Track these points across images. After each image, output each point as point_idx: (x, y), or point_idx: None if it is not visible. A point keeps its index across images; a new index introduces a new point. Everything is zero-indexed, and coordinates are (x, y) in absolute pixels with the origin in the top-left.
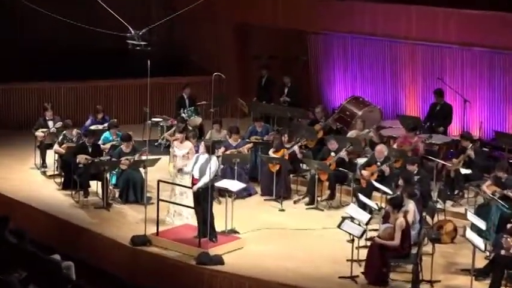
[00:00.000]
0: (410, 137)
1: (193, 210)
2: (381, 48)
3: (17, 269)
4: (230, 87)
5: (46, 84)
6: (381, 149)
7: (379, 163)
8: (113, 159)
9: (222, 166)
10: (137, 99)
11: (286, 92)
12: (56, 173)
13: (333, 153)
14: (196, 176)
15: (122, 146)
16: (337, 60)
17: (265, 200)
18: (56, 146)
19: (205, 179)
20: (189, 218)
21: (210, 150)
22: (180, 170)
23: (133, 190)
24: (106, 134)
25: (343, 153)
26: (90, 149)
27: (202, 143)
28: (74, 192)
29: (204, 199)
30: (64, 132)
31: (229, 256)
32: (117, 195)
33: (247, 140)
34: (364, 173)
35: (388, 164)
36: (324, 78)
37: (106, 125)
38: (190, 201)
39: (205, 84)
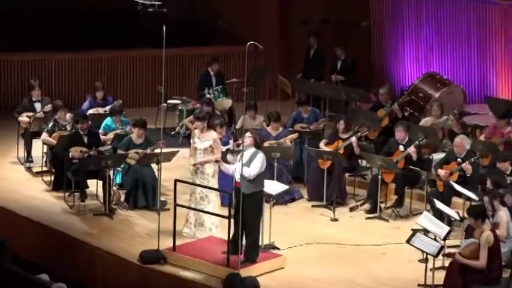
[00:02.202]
0: (502, 126)
1: (217, 219)
2: (465, 10)
3: None
4: (269, 61)
5: (32, 55)
6: (461, 142)
7: (459, 160)
8: (119, 151)
9: None
10: (149, 75)
11: (339, 68)
12: (45, 169)
13: (401, 147)
14: (238, 178)
15: (132, 135)
16: (407, 26)
17: (313, 206)
18: (44, 135)
19: (246, 172)
20: (213, 229)
21: (259, 143)
22: (198, 168)
23: (143, 192)
24: (107, 120)
25: (411, 149)
26: (86, 139)
27: (248, 133)
28: (67, 195)
29: (247, 205)
30: (55, 116)
31: (266, 278)
32: (122, 198)
33: (291, 128)
34: (441, 172)
35: (472, 161)
36: (391, 50)
37: (108, 108)
38: (213, 207)
39: (236, 57)
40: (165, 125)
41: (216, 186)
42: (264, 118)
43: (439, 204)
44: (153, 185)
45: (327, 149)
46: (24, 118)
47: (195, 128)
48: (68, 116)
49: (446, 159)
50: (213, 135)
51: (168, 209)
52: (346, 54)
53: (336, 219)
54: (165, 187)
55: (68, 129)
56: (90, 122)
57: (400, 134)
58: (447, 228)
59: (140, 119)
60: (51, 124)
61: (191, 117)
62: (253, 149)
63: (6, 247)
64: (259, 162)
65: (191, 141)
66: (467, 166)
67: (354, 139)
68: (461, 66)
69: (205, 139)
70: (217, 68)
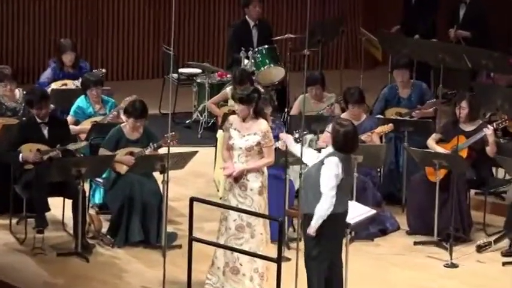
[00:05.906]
0: None
1: (264, 263)
2: None
3: None
4: (346, 6)
5: None
6: None
7: None
8: (102, 151)
9: None
10: (150, 28)
11: (462, 18)
12: None
13: None
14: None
15: (122, 125)
16: None
17: (416, 243)
18: None
19: (320, 209)
20: (255, 280)
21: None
22: (237, 181)
23: (139, 218)
24: (80, 100)
25: None
26: (46, 130)
27: (332, 126)
28: (16, 222)
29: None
30: None
31: None
32: (105, 228)
33: (380, 116)
34: None
35: None
36: None
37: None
38: (258, 244)
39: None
40: (175, 109)
41: (264, 209)
42: (337, 98)
43: None
44: (156, 207)
45: (441, 149)
46: None
47: (230, 114)
48: (18, 92)
49: None
50: (262, 126)
51: (180, 246)
52: None
53: (454, 265)
54: (175, 210)
55: (19, 113)
56: (52, 106)
57: None
58: None
59: (135, 103)
60: None
61: (219, 96)
62: (329, 150)
63: None
64: (326, 172)
65: (219, 135)
66: None
67: (488, 132)
68: None
69: (250, 133)
70: (259, 13)
